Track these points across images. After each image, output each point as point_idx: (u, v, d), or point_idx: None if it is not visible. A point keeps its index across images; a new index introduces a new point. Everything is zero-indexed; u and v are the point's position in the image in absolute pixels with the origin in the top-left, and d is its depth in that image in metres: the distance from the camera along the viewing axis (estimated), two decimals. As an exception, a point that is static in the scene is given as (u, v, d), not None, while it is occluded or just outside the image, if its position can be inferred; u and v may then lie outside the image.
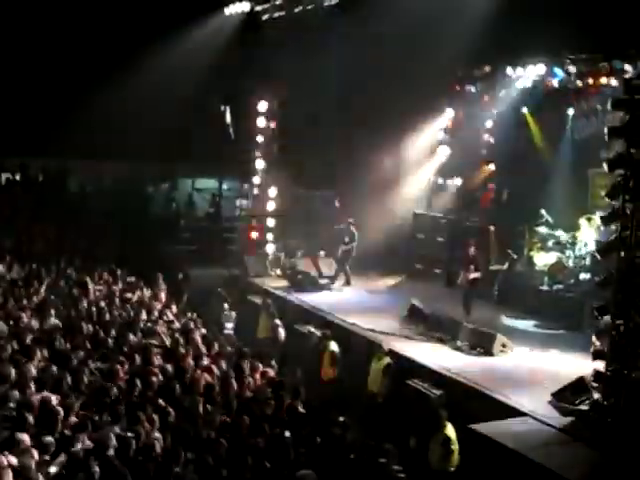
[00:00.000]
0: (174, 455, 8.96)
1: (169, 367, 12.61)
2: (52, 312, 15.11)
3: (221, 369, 12.84)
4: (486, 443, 10.54)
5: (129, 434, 9.32)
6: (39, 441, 8.84)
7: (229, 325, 17.86)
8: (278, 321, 16.67)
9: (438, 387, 12.83)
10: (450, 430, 11.23)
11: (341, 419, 10.87)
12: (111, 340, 13.76)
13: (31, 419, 9.36)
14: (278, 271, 21.36)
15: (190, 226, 25.64)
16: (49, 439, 8.94)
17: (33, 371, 11.30)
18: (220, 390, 11.74)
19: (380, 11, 18.88)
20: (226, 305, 18.12)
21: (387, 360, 13.78)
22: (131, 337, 14.01)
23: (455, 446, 11.12)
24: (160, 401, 10.78)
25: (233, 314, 17.92)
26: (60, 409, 9.64)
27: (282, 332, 16.41)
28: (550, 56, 17.79)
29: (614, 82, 16.09)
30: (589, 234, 17.38)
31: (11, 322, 14.22)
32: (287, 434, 9.78)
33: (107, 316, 15.50)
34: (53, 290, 17.23)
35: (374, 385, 13.76)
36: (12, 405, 9.93)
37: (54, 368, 11.61)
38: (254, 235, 22.38)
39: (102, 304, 16.30)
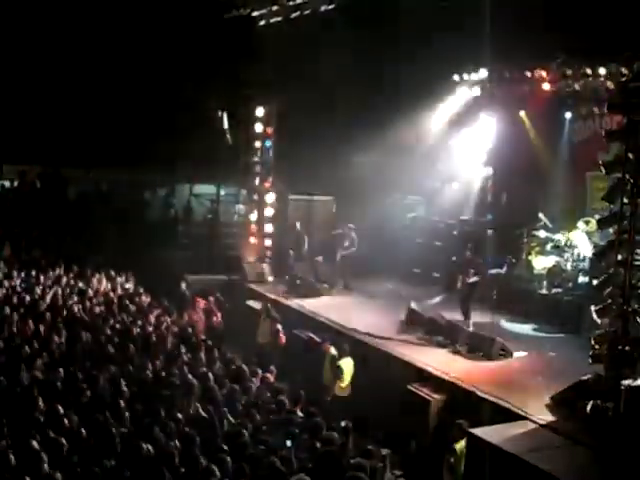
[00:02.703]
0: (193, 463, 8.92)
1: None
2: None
3: (217, 374, 12.86)
4: (486, 447, 10.52)
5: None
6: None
7: None
8: (279, 326, 16.67)
9: (438, 391, 12.83)
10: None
11: (342, 424, 10.85)
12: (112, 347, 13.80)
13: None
14: (276, 276, 21.34)
15: (188, 232, 25.63)
16: None
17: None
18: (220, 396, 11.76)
19: (377, 15, 18.91)
20: None
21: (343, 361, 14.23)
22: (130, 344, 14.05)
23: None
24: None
25: None
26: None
27: (283, 337, 16.41)
28: (547, 59, 17.81)
29: (610, 85, 16.09)
30: (584, 237, 17.39)
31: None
32: (288, 443, 9.74)
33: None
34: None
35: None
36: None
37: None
38: (252, 240, 22.38)
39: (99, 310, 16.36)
